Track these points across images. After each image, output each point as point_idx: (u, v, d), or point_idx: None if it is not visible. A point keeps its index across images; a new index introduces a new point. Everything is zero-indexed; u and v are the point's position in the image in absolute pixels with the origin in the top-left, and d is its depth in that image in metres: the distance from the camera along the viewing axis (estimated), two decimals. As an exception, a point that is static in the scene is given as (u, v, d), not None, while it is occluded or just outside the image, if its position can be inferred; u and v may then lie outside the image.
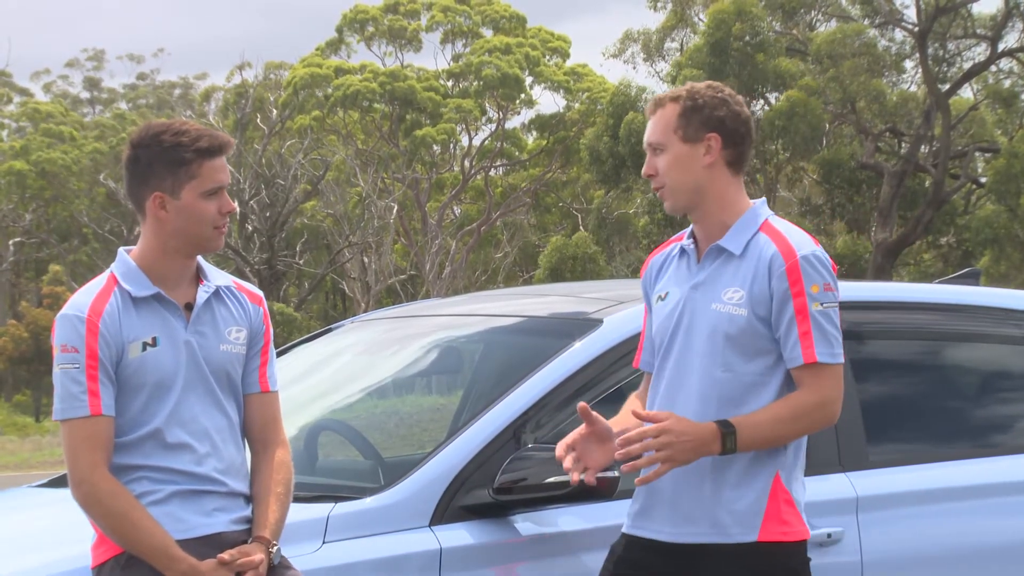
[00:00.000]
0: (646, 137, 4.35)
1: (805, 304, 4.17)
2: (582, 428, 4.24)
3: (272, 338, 4.37)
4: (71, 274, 52.32)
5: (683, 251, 4.39)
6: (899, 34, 38.75)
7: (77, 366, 4.09)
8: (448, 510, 4.72)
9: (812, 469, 4.98)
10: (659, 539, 4.29)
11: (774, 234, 4.25)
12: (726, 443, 4.12)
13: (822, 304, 4.18)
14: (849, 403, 5.15)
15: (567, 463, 4.23)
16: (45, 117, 61.53)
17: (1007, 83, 39.55)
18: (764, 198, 4.43)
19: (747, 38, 36.60)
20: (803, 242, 4.23)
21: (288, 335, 39.54)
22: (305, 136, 45.14)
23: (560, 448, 4.26)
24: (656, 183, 4.32)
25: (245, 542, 4.16)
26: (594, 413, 4.23)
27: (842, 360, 4.21)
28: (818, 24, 40.34)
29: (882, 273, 35.98)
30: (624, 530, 4.40)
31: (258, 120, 48.07)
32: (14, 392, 56.76)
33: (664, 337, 4.34)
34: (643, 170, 4.36)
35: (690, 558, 4.24)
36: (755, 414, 4.16)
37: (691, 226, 4.38)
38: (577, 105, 47.37)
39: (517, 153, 50.28)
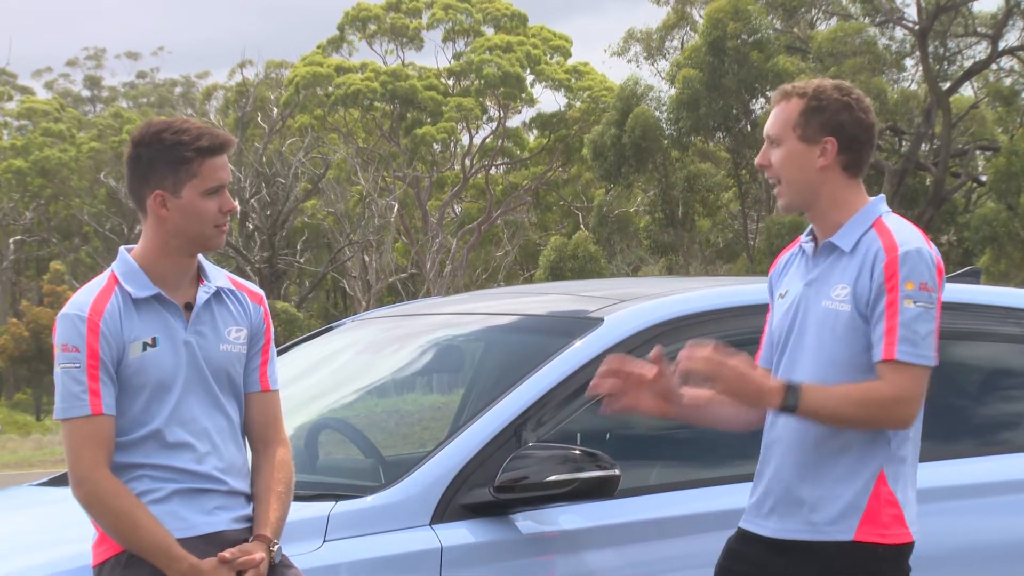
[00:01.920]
0: (766, 126, 4.34)
1: (896, 300, 4.12)
2: (648, 368, 4.23)
3: (273, 337, 4.37)
4: (72, 273, 52.33)
5: (803, 249, 4.39)
6: (900, 32, 38.78)
7: (78, 365, 4.09)
8: (449, 509, 4.72)
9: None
10: (763, 534, 4.30)
11: (883, 230, 4.21)
12: (787, 398, 4.10)
13: (915, 302, 4.12)
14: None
15: (600, 383, 4.22)
16: (43, 115, 61.51)
17: (1008, 81, 39.58)
18: (883, 195, 4.39)
19: (744, 37, 36.61)
20: (908, 239, 4.18)
21: (290, 334, 39.54)
22: (306, 134, 45.14)
23: (611, 362, 4.23)
24: (770, 174, 4.31)
25: (246, 540, 4.17)
26: (665, 364, 4.21)
27: (928, 363, 4.14)
28: (818, 22, 40.36)
29: (883, 271, 35.91)
30: (740, 523, 4.41)
31: (259, 119, 48.07)
32: (15, 391, 56.80)
33: (781, 334, 4.35)
34: (757, 159, 4.35)
35: (789, 554, 4.24)
36: (829, 386, 4.14)
37: (811, 225, 4.37)
38: (578, 104, 47.38)
39: (518, 151, 50.28)
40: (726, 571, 4.39)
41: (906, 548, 4.22)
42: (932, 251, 4.21)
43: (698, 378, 4.18)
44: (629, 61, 42.59)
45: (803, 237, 4.41)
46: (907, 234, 4.20)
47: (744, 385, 4.12)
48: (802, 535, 4.22)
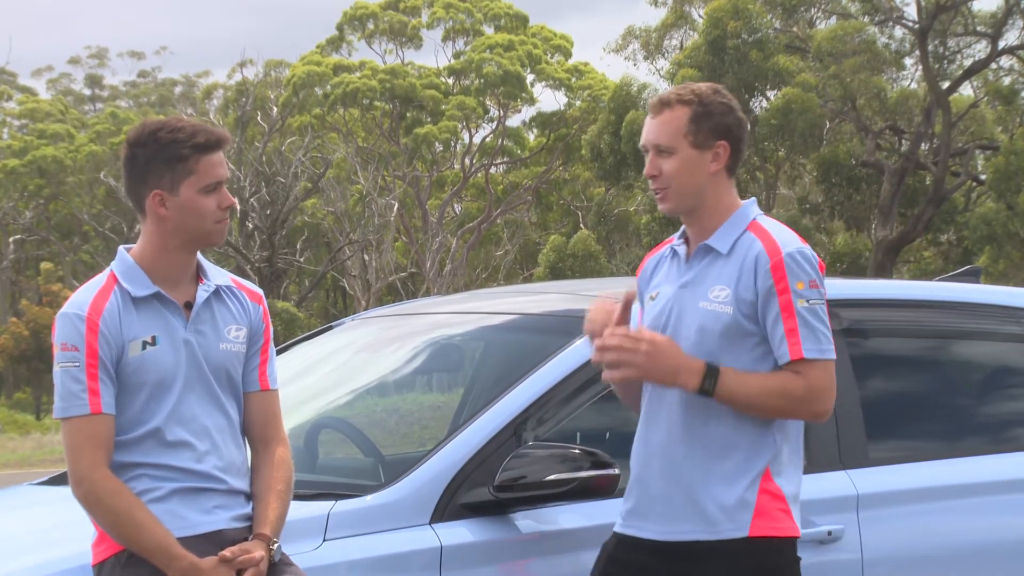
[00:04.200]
0: (650, 137, 4.35)
1: (790, 301, 4.19)
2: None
3: (272, 336, 4.38)
4: (72, 272, 52.31)
5: (674, 252, 4.42)
6: (899, 31, 38.75)
7: (77, 364, 4.10)
8: (448, 508, 4.72)
9: (812, 467, 4.99)
10: (650, 538, 4.30)
11: (761, 233, 4.28)
12: (705, 382, 4.15)
13: (808, 300, 4.20)
14: (849, 400, 5.15)
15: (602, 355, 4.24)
16: (44, 116, 61.49)
17: (1007, 80, 39.55)
18: (754, 198, 4.47)
19: (744, 36, 36.60)
20: (789, 240, 4.26)
21: (289, 333, 39.53)
22: (306, 134, 45.13)
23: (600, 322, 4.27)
24: (659, 184, 4.33)
25: (246, 539, 4.17)
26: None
27: (832, 356, 4.22)
28: (818, 21, 40.33)
29: (882, 271, 36.01)
30: (616, 528, 4.41)
31: (259, 118, 48.06)
32: (15, 390, 56.79)
33: None
34: (646, 170, 4.37)
35: (681, 556, 4.25)
36: (746, 373, 4.20)
37: (683, 227, 4.41)
38: (579, 103, 47.36)
39: (518, 151, 50.27)
40: None
41: (794, 541, 4.27)
42: (810, 249, 4.27)
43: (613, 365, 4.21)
44: (626, 59, 42.54)
45: (675, 239, 4.44)
46: (786, 236, 4.28)
47: (661, 361, 4.15)
48: (695, 535, 4.24)
